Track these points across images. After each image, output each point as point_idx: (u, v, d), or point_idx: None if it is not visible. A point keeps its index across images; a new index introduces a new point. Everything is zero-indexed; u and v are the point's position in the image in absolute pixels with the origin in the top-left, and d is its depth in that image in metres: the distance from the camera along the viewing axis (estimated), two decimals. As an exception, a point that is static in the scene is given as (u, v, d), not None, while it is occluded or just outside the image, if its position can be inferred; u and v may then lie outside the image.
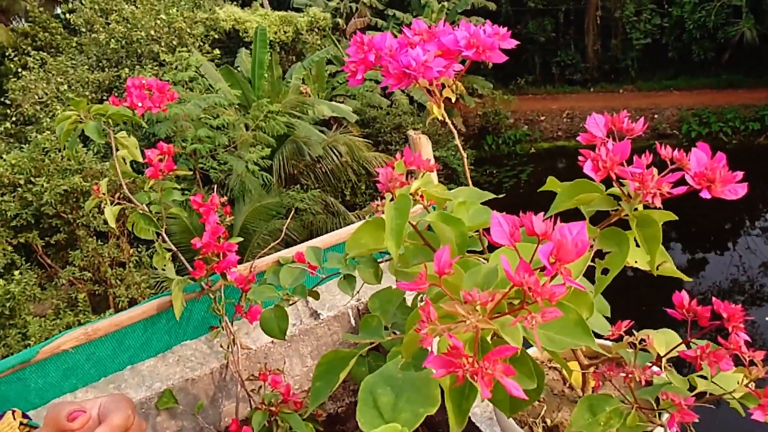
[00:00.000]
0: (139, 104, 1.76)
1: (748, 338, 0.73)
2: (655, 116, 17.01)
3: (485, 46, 0.83)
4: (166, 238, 1.68)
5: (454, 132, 0.92)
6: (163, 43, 11.29)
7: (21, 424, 0.67)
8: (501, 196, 0.91)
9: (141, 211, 1.62)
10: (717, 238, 12.56)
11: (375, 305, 0.81)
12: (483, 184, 16.00)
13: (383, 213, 0.72)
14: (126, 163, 1.86)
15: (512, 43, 0.86)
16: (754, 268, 11.22)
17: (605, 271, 0.69)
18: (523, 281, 0.46)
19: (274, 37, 13.35)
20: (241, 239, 1.78)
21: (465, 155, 0.94)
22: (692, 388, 0.80)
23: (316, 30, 14.47)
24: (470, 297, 0.47)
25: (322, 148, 10.87)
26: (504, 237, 0.50)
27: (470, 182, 0.93)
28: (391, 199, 0.74)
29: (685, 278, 0.77)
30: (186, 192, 9.73)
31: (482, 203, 0.84)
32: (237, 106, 10.94)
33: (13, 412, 0.68)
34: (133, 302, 8.23)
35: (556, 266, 0.47)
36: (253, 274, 1.68)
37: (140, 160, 1.84)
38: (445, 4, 15.84)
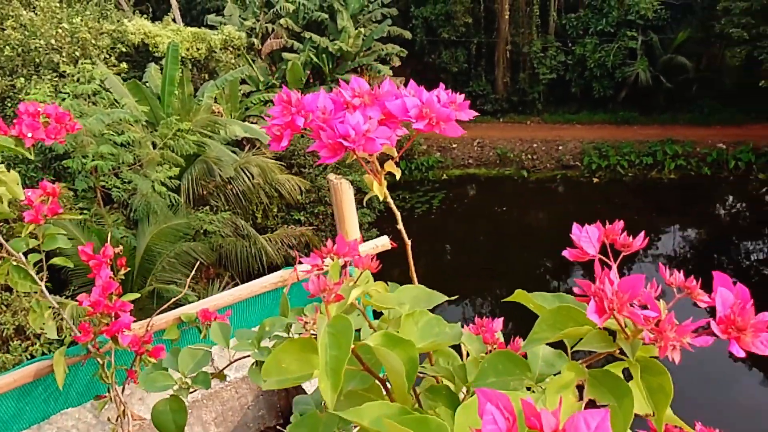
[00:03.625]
0: (29, 135, 1.54)
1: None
2: (560, 148, 17.83)
3: (440, 117, 0.71)
4: (47, 294, 1.48)
5: (398, 216, 0.81)
6: (64, 54, 10.69)
7: None
8: (454, 298, 0.80)
9: (15, 263, 1.43)
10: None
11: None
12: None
13: (313, 331, 0.59)
14: (3, 202, 1.67)
15: (471, 114, 0.74)
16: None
17: None
18: None
19: (186, 54, 12.97)
20: (137, 295, 1.61)
21: (408, 242, 0.82)
22: None
23: (231, 49, 14.19)
24: None
25: (233, 169, 10.62)
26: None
27: (415, 277, 0.83)
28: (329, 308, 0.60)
29: (690, 430, 0.66)
30: (85, 211, 9.17)
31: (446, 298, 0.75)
32: (144, 123, 10.49)
33: None
34: (20, 330, 7.64)
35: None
36: (149, 334, 1.51)
37: (21, 198, 1.65)
38: (362, 30, 15.99)
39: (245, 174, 10.87)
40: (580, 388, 0.57)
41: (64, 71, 10.15)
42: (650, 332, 0.51)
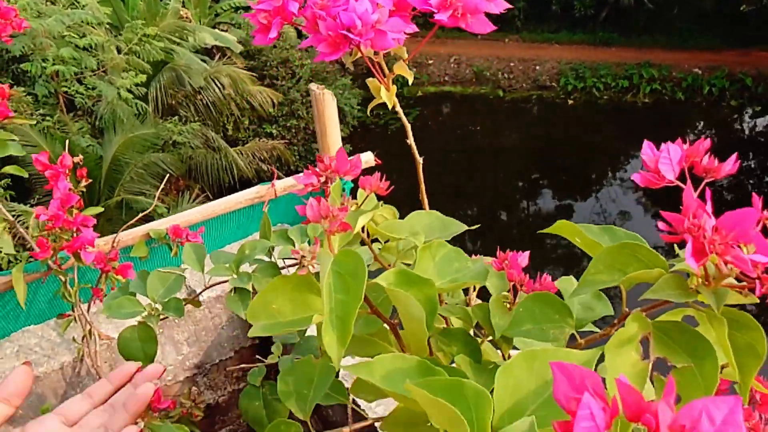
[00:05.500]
0: (-32, 34, 1.37)
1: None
2: (537, 68, 17.61)
3: (468, 8, 0.59)
4: (2, 208, 1.37)
5: (408, 129, 0.71)
6: (17, -54, 9.91)
7: None
8: (475, 227, 0.71)
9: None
10: (583, 186, 13.39)
11: (287, 387, 0.60)
12: (369, 125, 15.92)
13: (313, 266, 0.49)
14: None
15: (503, 6, 0.62)
16: (613, 215, 12.15)
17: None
18: None
19: (150, -49, 12.15)
20: (101, 209, 1.52)
21: (420, 160, 0.72)
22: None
23: (199, -53, 13.34)
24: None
25: (203, 78, 10.26)
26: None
27: (426, 201, 0.74)
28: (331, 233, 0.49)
29: None
30: (48, 117, 8.80)
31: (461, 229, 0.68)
32: (107, 26, 9.96)
33: None
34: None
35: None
36: (116, 251, 1.42)
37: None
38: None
39: (216, 84, 10.53)
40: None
41: (19, -35, 9.45)
42: (759, 281, 0.40)
